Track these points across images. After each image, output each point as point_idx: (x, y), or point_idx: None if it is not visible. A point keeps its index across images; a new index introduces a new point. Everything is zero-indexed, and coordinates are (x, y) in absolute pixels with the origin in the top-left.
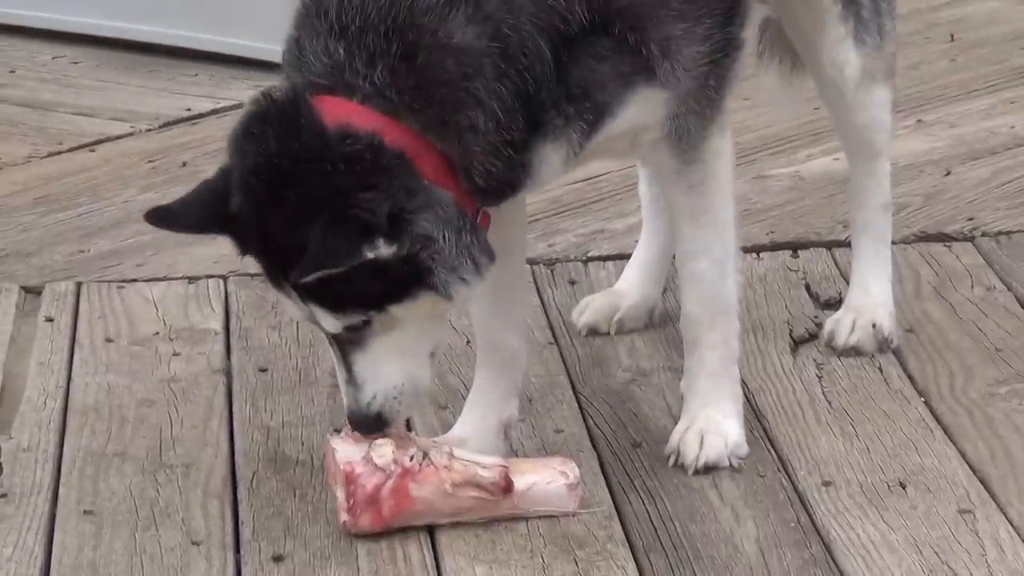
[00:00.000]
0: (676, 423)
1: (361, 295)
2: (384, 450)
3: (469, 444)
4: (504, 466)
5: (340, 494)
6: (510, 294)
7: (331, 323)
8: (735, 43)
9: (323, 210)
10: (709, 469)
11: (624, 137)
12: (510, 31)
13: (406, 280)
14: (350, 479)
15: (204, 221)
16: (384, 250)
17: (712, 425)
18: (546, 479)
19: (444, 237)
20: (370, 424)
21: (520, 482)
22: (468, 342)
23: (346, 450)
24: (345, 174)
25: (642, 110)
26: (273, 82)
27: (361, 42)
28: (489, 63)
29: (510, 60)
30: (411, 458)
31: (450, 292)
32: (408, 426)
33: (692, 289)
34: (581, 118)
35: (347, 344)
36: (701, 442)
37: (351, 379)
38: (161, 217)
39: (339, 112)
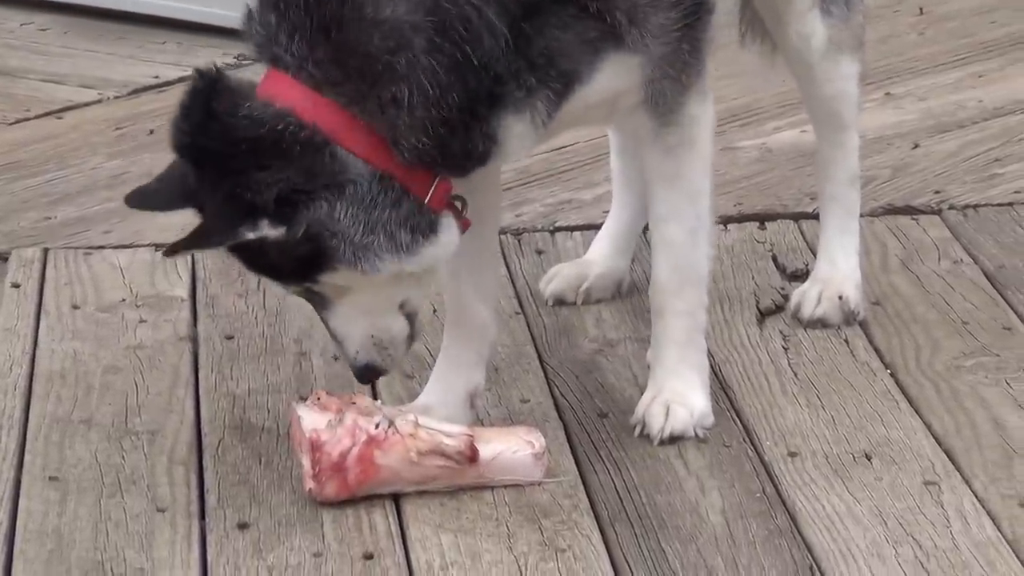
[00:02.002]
0: (642, 394)
1: (283, 268)
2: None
3: (435, 412)
4: (469, 435)
5: (305, 462)
6: (480, 264)
7: (279, 289)
8: (706, 7)
9: (220, 189)
10: (674, 439)
11: (603, 103)
12: (450, 4)
13: (313, 256)
14: (315, 447)
15: (172, 198)
16: (270, 231)
17: (677, 396)
18: (512, 448)
19: (350, 215)
20: (363, 375)
21: (486, 451)
22: (435, 311)
23: (312, 418)
24: (244, 154)
25: (615, 76)
26: (240, 50)
27: (287, 14)
28: (420, 37)
29: (446, 34)
30: (376, 426)
31: (365, 267)
32: (374, 395)
33: (662, 255)
34: (547, 87)
35: (317, 306)
36: (666, 412)
37: (333, 336)
38: (137, 198)
39: (270, 86)
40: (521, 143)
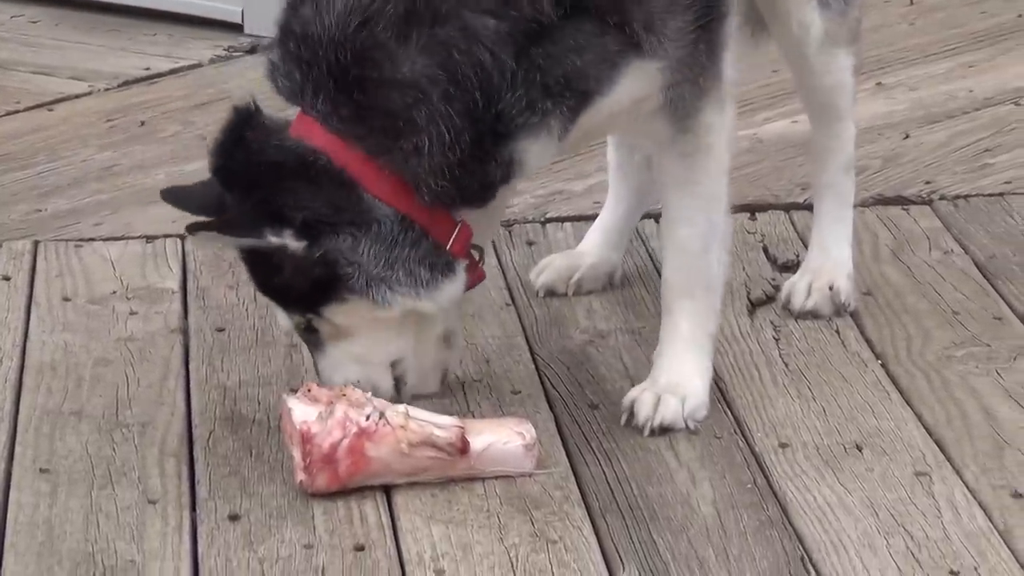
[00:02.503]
0: (633, 385)
1: (294, 290)
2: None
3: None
4: (460, 426)
5: (296, 454)
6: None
7: (282, 319)
8: (720, 8)
9: (250, 198)
10: (664, 430)
11: (624, 111)
12: (462, 55)
13: (326, 281)
14: (306, 439)
15: (205, 204)
16: (291, 242)
17: (671, 387)
18: (502, 439)
19: (372, 251)
20: None
21: (476, 442)
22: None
23: (302, 410)
24: (274, 175)
25: (635, 84)
26: (231, 42)
27: (310, 74)
28: (436, 89)
29: (460, 83)
30: (367, 418)
31: (377, 297)
32: None
33: (673, 257)
34: (561, 106)
35: (312, 347)
36: (656, 402)
37: (320, 380)
38: (173, 195)
39: (301, 127)
40: (540, 159)
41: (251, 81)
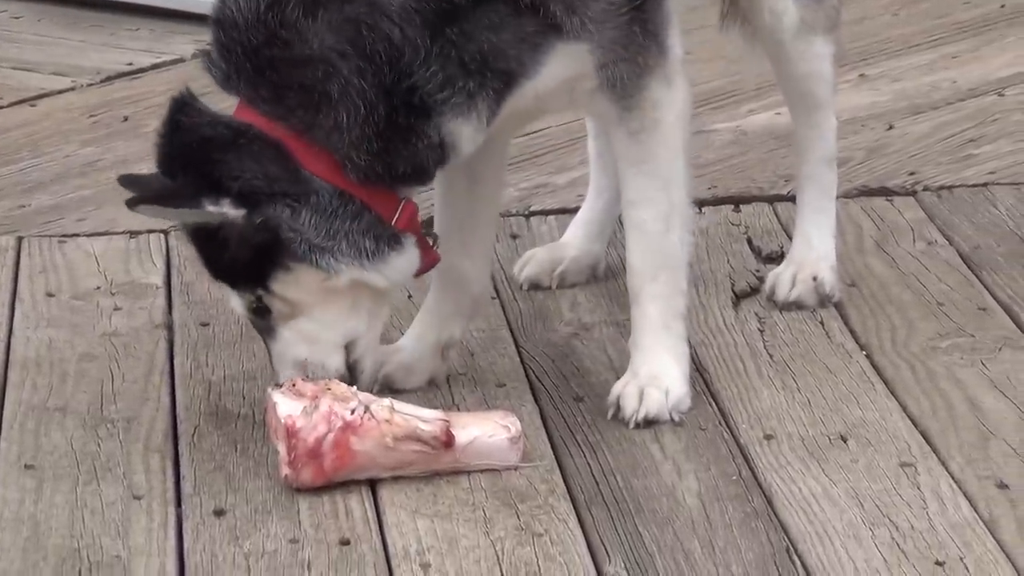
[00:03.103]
0: (618, 377)
1: (242, 266)
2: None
3: (404, 356)
4: (445, 420)
5: (281, 448)
6: (475, 220)
7: (235, 302)
8: None
9: (188, 173)
10: (649, 423)
11: (556, 92)
12: (370, 31)
13: (271, 248)
14: (291, 433)
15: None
16: (230, 211)
17: (653, 380)
18: (488, 433)
19: (311, 221)
20: None
21: (462, 436)
22: (410, 296)
23: (287, 404)
24: (209, 149)
25: (563, 65)
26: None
27: (231, 58)
28: (347, 63)
29: (370, 57)
30: (352, 412)
31: (321, 264)
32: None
33: (634, 240)
34: (486, 88)
35: (263, 332)
36: (641, 396)
37: (271, 363)
38: (128, 180)
39: (238, 111)
40: (471, 142)
41: None
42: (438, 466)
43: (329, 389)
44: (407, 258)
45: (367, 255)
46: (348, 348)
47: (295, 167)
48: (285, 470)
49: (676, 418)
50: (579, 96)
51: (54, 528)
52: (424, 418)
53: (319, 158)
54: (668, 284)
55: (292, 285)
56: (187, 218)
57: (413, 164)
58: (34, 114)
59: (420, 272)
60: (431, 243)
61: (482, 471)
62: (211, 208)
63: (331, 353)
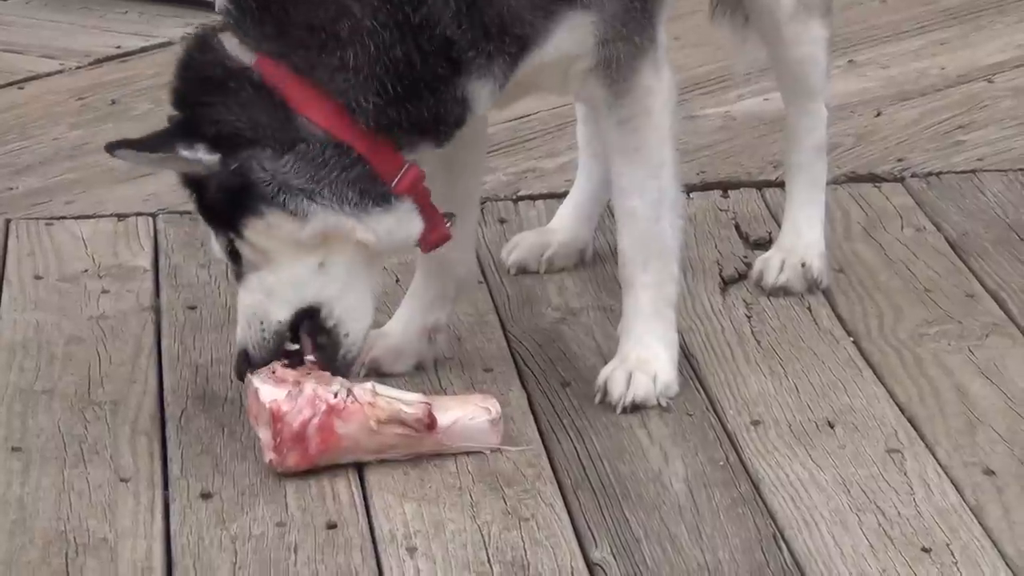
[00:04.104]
0: (605, 362)
1: (218, 207)
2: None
3: (391, 340)
4: (427, 403)
5: (264, 433)
6: (456, 203)
7: (214, 244)
8: None
9: (185, 111)
10: (636, 408)
11: (556, 67)
12: None
13: (243, 191)
14: (276, 417)
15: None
16: (204, 157)
17: (641, 364)
18: (469, 415)
19: (293, 165)
20: (237, 362)
21: (443, 418)
22: (397, 280)
23: (270, 389)
24: (200, 90)
25: (570, 37)
26: (202, 20)
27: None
28: (358, 4)
29: (392, 5)
30: (335, 395)
31: (292, 207)
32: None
33: (626, 227)
34: (504, 52)
35: (238, 285)
36: (628, 380)
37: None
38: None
39: (242, 53)
40: (485, 105)
41: None
42: (421, 449)
43: (310, 373)
44: (399, 221)
45: (347, 203)
46: (319, 314)
47: (287, 113)
48: (270, 455)
49: (664, 403)
50: (574, 77)
51: (41, 511)
52: (406, 401)
53: (319, 103)
54: (659, 272)
55: (263, 233)
56: (167, 163)
57: (435, 116)
58: (22, 96)
59: (427, 247)
60: (445, 220)
61: (469, 455)
62: (184, 153)
63: (280, 308)
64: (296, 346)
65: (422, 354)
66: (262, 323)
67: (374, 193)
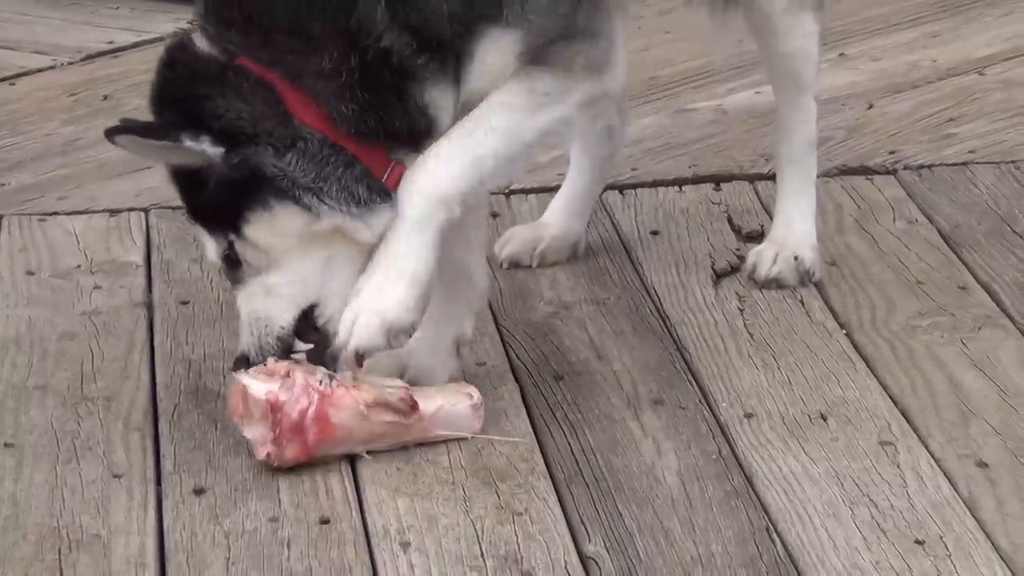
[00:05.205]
0: (598, 356)
1: (220, 206)
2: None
3: (423, 358)
4: (405, 387)
5: (253, 431)
6: (474, 215)
7: (210, 249)
8: None
9: (173, 110)
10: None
11: (499, 76)
12: None
13: (251, 184)
14: (275, 408)
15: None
16: (209, 148)
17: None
18: (451, 401)
19: (297, 163)
20: (236, 360)
21: (427, 406)
22: None
23: (261, 384)
24: (197, 85)
25: (495, 50)
26: (193, 15)
27: (221, 12)
28: (322, 13)
29: (338, 6)
30: (320, 383)
31: (303, 201)
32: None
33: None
34: (447, 64)
35: (235, 291)
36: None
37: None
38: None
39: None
40: (450, 112)
41: None
42: (408, 437)
43: (296, 363)
44: (392, 218)
45: (357, 201)
46: (314, 312)
47: (285, 112)
48: (267, 448)
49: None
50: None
51: (34, 507)
52: (388, 384)
53: (310, 107)
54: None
55: (267, 229)
56: (166, 154)
57: (408, 129)
58: (14, 92)
59: None
60: None
61: (460, 448)
62: (189, 143)
63: (285, 309)
64: (309, 346)
65: (452, 369)
66: (266, 327)
67: (378, 189)
